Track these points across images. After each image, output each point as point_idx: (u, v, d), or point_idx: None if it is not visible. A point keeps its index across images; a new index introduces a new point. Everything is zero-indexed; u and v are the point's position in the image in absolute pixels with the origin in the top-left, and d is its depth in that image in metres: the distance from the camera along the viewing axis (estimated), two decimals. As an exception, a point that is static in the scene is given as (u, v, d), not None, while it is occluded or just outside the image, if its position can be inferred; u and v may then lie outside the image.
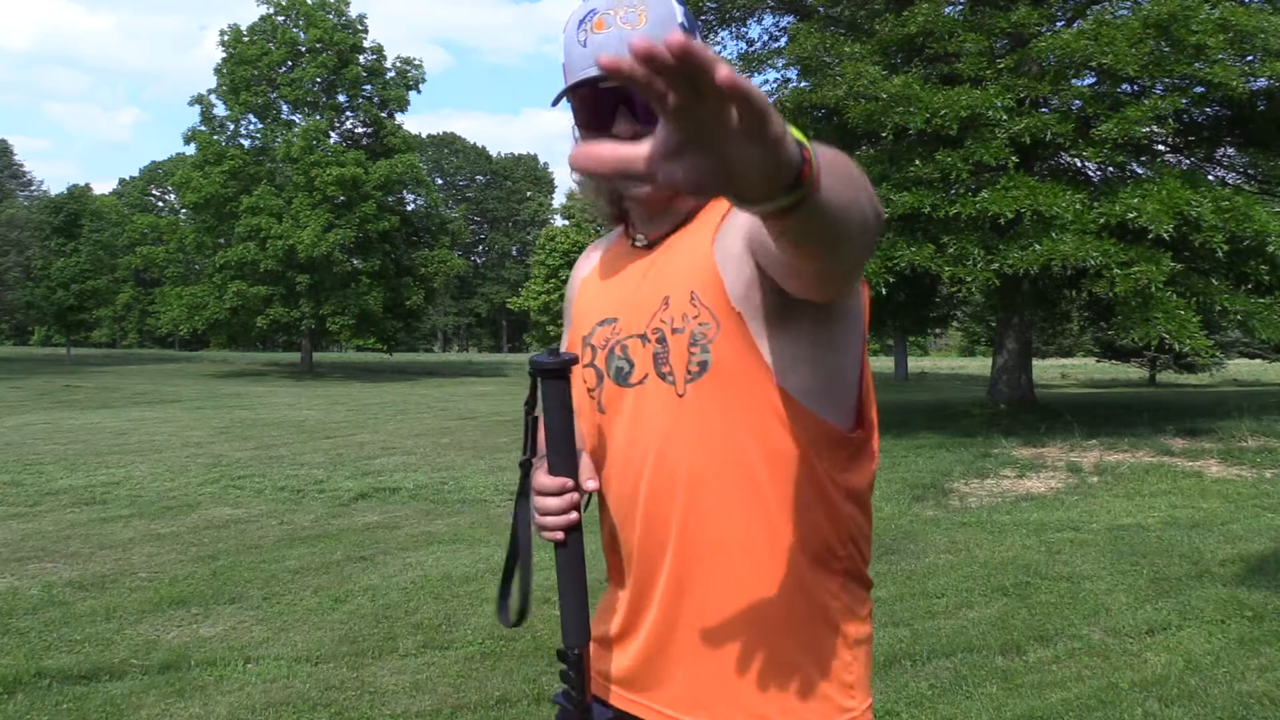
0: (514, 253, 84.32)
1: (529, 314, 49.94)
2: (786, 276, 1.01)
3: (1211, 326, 11.69)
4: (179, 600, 4.87)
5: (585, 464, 1.25)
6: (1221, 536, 6.23)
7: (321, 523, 7.00)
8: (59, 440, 12.15)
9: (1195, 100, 11.58)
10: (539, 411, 1.22)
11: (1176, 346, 10.22)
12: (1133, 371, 34.31)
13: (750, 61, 13.76)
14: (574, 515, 1.21)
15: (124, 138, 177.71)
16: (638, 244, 1.29)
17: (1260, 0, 11.65)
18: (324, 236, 31.01)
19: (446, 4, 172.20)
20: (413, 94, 36.35)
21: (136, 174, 73.94)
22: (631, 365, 1.22)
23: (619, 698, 1.28)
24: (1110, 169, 12.06)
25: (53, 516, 7.13)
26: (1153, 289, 9.77)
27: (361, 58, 35.13)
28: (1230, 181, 13.46)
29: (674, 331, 1.17)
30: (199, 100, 33.85)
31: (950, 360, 63.16)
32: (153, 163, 70.75)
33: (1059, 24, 12.62)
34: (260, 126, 34.38)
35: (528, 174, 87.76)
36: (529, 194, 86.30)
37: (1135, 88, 11.60)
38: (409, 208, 37.41)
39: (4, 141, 78.67)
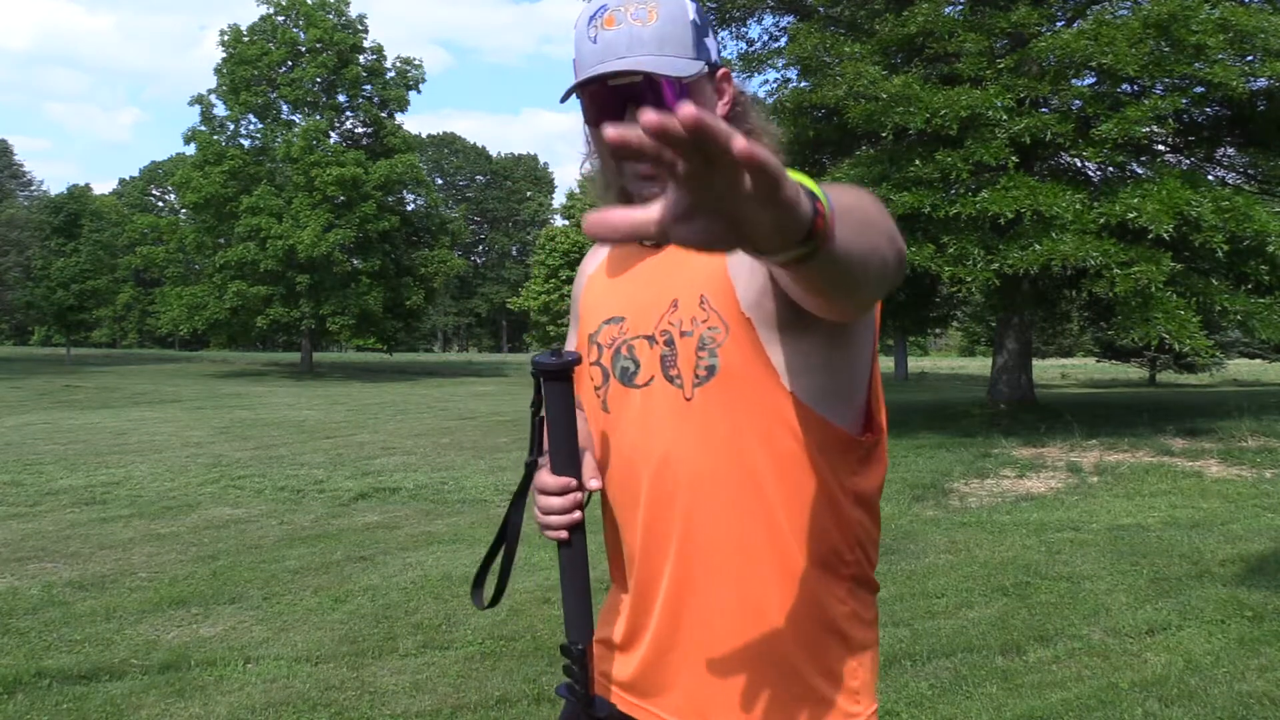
0: (514, 253, 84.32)
1: (529, 314, 49.93)
2: (803, 299, 1.00)
3: (1211, 326, 11.69)
4: (179, 600, 4.87)
5: (588, 463, 1.24)
6: (1221, 536, 6.23)
7: (321, 523, 7.00)
8: (59, 440, 12.15)
9: (1195, 100, 11.57)
10: (543, 412, 1.23)
11: (1176, 346, 10.22)
12: (1133, 371, 34.31)
13: (750, 61, 13.75)
14: (577, 514, 1.21)
15: (124, 138, 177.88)
16: (646, 243, 1.28)
17: (1260, 0, 11.65)
18: (324, 236, 31.01)
19: (446, 4, 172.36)
20: (413, 94, 36.40)
21: (136, 174, 73.99)
22: (637, 366, 1.21)
23: (621, 700, 1.27)
24: (1110, 169, 12.06)
25: (53, 516, 7.13)
26: (1153, 289, 9.77)
27: (361, 58, 35.13)
28: (1230, 181, 13.46)
29: (682, 335, 1.17)
30: (199, 100, 33.85)
31: (950, 360, 63.18)
32: (153, 163, 70.80)
33: (1059, 24, 12.61)
34: (260, 126, 34.38)
35: (528, 174, 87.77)
36: (529, 194, 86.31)
37: (1135, 88, 11.60)
38: (409, 208, 37.41)
39: (4, 141, 78.74)
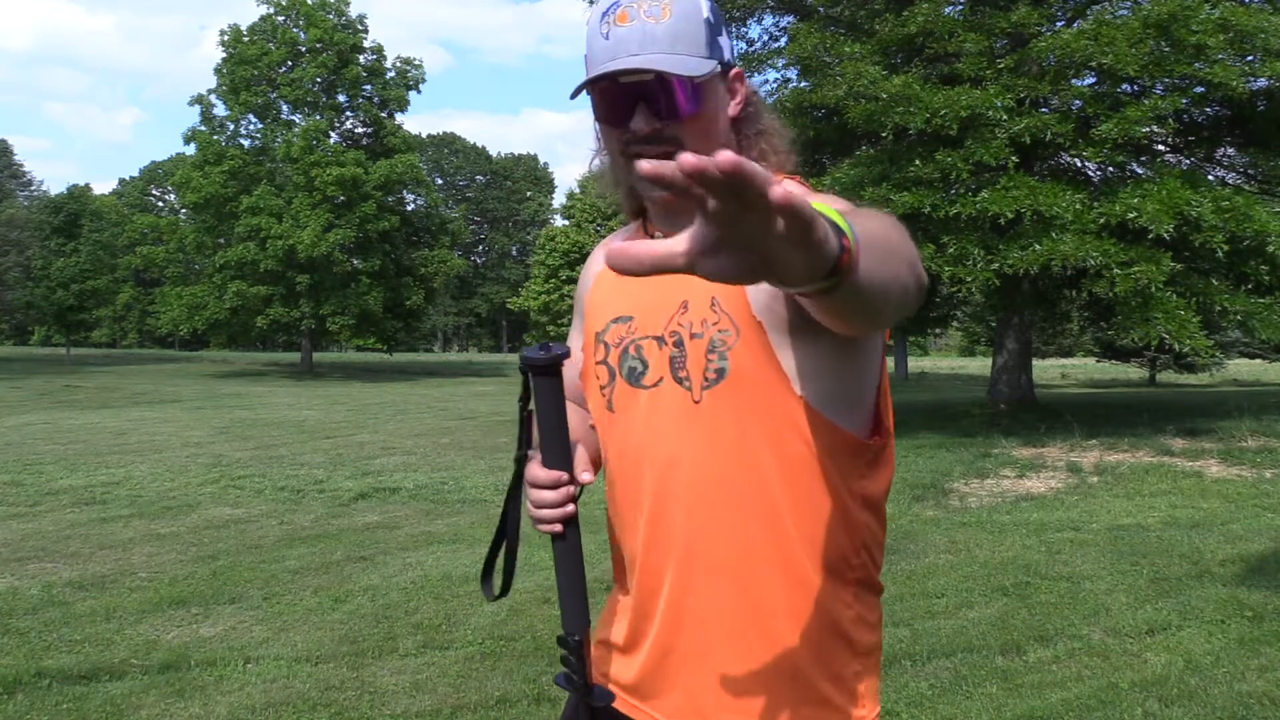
0: (514, 253, 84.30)
1: (529, 314, 49.93)
2: (820, 318, 0.97)
3: (1211, 326, 11.69)
4: (179, 600, 4.87)
5: (580, 456, 1.23)
6: (1221, 536, 6.23)
7: (321, 523, 7.00)
8: (59, 440, 12.15)
9: (1195, 100, 11.57)
10: (532, 406, 1.22)
11: (1176, 346, 10.22)
12: (1133, 371, 34.31)
13: (750, 61, 13.75)
14: (570, 508, 1.20)
15: (124, 138, 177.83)
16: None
17: (1260, 0, 11.65)
18: (324, 236, 31.01)
19: (446, 4, 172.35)
20: (413, 94, 36.40)
21: (136, 174, 73.99)
22: (645, 366, 1.20)
23: (623, 702, 1.27)
24: (1110, 169, 12.06)
25: (53, 516, 7.13)
26: (1153, 289, 9.77)
27: (361, 58, 35.13)
28: (1230, 181, 13.46)
29: (692, 336, 1.16)
30: (199, 100, 33.86)
31: (950, 360, 63.18)
32: (153, 163, 70.79)
33: (1059, 24, 12.61)
34: (260, 126, 34.39)
35: (528, 174, 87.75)
36: (529, 194, 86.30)
37: (1135, 88, 11.60)
38: (409, 208, 37.42)
39: (4, 141, 78.71)
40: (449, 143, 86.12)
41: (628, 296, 1.26)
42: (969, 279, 10.39)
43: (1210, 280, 10.87)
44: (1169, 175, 10.61)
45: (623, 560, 1.28)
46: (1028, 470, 9.04)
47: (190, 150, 34.03)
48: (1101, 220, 10.09)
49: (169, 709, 3.50)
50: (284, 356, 48.33)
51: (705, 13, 1.16)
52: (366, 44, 35.42)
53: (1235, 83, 10.18)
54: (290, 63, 34.03)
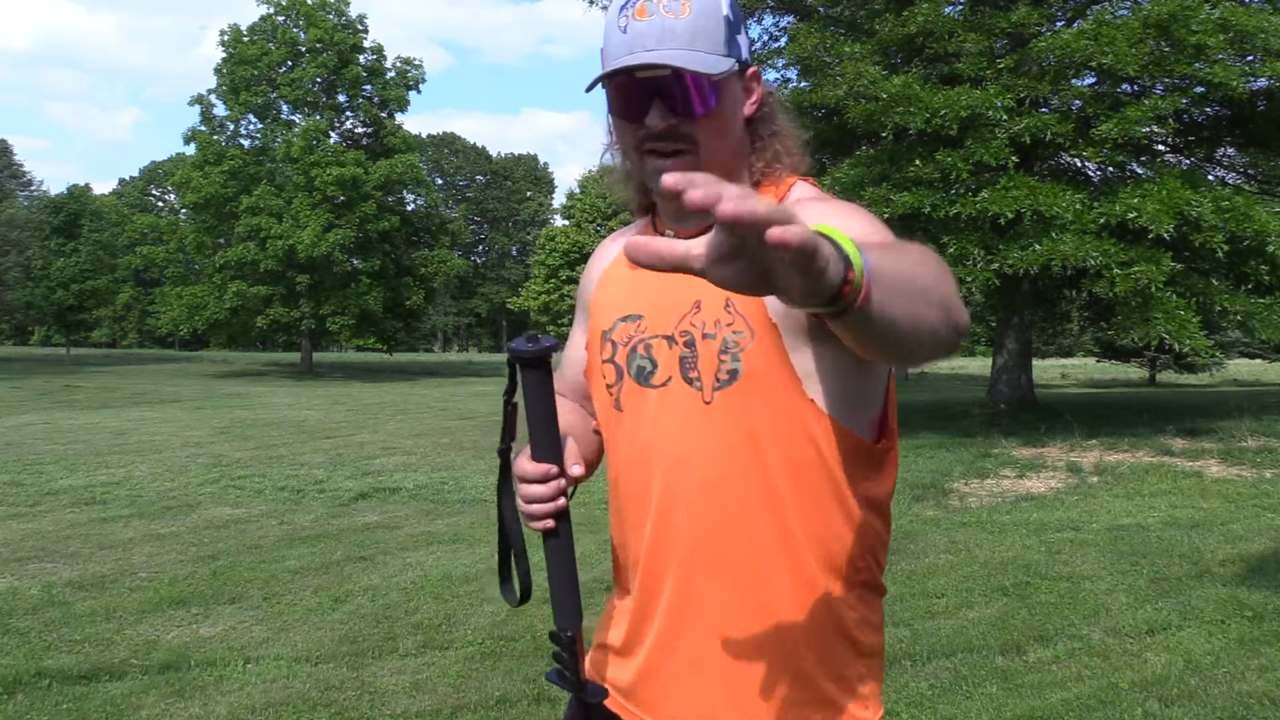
0: (514, 253, 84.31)
1: (529, 314, 49.90)
2: (842, 339, 0.95)
3: (1211, 326, 11.69)
4: (179, 600, 4.87)
5: (570, 449, 1.22)
6: (1221, 536, 6.23)
7: (321, 523, 7.00)
8: (59, 440, 12.15)
9: (1195, 100, 11.57)
10: (518, 398, 1.19)
11: (1176, 346, 10.22)
12: (1133, 371, 34.32)
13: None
14: (561, 502, 1.18)
15: (124, 138, 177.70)
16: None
17: (1260, 0, 11.65)
18: (324, 236, 31.02)
19: (446, 4, 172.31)
20: (413, 94, 36.39)
21: (136, 174, 73.98)
22: (654, 365, 1.20)
23: (618, 705, 1.26)
24: (1110, 169, 12.06)
25: (53, 516, 7.13)
26: (1153, 289, 9.77)
27: (361, 58, 35.13)
28: (1230, 181, 13.47)
29: (705, 337, 1.15)
30: (199, 100, 33.86)
31: (950, 360, 63.12)
32: (153, 163, 70.80)
33: (1059, 24, 12.61)
34: (260, 126, 34.39)
35: (528, 174, 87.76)
36: (529, 194, 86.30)
37: (1135, 88, 11.60)
38: (409, 208, 37.43)
39: (4, 141, 78.69)
40: (449, 143, 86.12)
41: (636, 295, 1.25)
42: (969, 279, 10.38)
43: (1210, 280, 10.87)
44: (1169, 175, 10.62)
45: (623, 561, 1.27)
46: (1028, 470, 9.04)
47: (190, 150, 34.05)
48: (1101, 220, 10.09)
49: (169, 709, 3.50)
50: (284, 356, 48.33)
51: (725, 10, 1.15)
52: (366, 44, 35.44)
53: (1235, 83, 10.18)
54: (290, 63, 34.04)
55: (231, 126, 34.01)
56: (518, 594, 1.28)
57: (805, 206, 1.18)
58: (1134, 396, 19.36)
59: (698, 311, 1.17)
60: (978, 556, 5.75)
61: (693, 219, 1.23)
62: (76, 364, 35.28)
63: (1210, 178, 12.59)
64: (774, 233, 0.67)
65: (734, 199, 0.67)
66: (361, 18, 35.70)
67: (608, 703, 1.27)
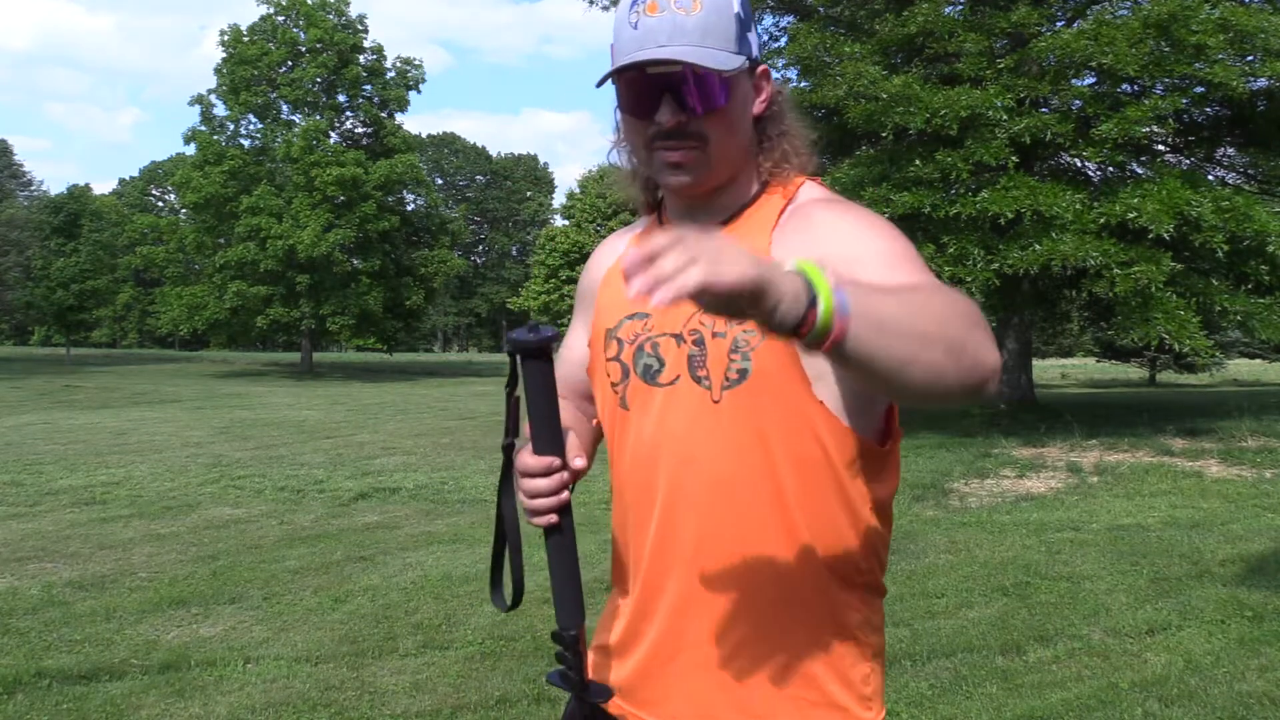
0: (514, 253, 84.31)
1: (529, 314, 49.88)
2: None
3: (1211, 326, 11.69)
4: (179, 600, 4.87)
5: (572, 442, 1.21)
6: (1221, 536, 6.23)
7: (321, 523, 7.00)
8: (59, 440, 12.15)
9: (1195, 100, 11.58)
10: (520, 391, 1.17)
11: (1176, 346, 10.23)
12: (1133, 371, 34.32)
13: (750, 61, 13.73)
14: (565, 495, 1.17)
15: (124, 138, 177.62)
16: None
17: (1260, 0, 11.65)
18: (324, 236, 31.01)
19: (446, 4, 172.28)
20: (413, 94, 36.38)
21: (136, 174, 73.97)
22: (662, 364, 1.19)
23: (619, 706, 1.25)
24: (1110, 169, 12.07)
25: (53, 516, 7.13)
26: (1153, 289, 9.78)
27: (361, 58, 35.13)
28: (1230, 181, 13.47)
29: (714, 335, 1.15)
30: (199, 100, 33.85)
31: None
32: (153, 163, 70.78)
33: (1059, 24, 12.62)
34: (260, 126, 34.39)
35: (528, 174, 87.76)
36: (529, 194, 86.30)
37: (1135, 88, 11.61)
38: (409, 208, 37.42)
39: (4, 141, 78.72)
40: (449, 143, 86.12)
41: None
42: (969, 279, 10.39)
43: (1210, 280, 10.88)
44: (1169, 175, 10.62)
45: (625, 560, 1.27)
46: (1028, 470, 9.04)
47: (190, 150, 34.04)
48: (1101, 220, 10.09)
49: (169, 709, 3.50)
50: (284, 356, 48.33)
51: (736, 8, 1.15)
52: (366, 44, 35.43)
53: (1235, 83, 10.18)
54: (290, 63, 34.03)
55: (231, 126, 34.01)
56: (507, 600, 1.27)
57: (811, 211, 1.18)
58: (1134, 396, 19.37)
59: None
60: (978, 556, 5.75)
61: (701, 217, 1.23)
62: (76, 364, 35.28)
63: (1210, 178, 12.59)
64: (704, 302, 0.78)
65: (663, 290, 0.76)
66: (361, 18, 35.71)
67: (611, 707, 1.26)
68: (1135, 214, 9.87)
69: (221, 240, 32.77)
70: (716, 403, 1.14)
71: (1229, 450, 9.68)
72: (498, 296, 77.33)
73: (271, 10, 34.25)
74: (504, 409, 1.21)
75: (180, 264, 35.09)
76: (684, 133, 1.14)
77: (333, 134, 34.73)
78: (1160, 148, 13.02)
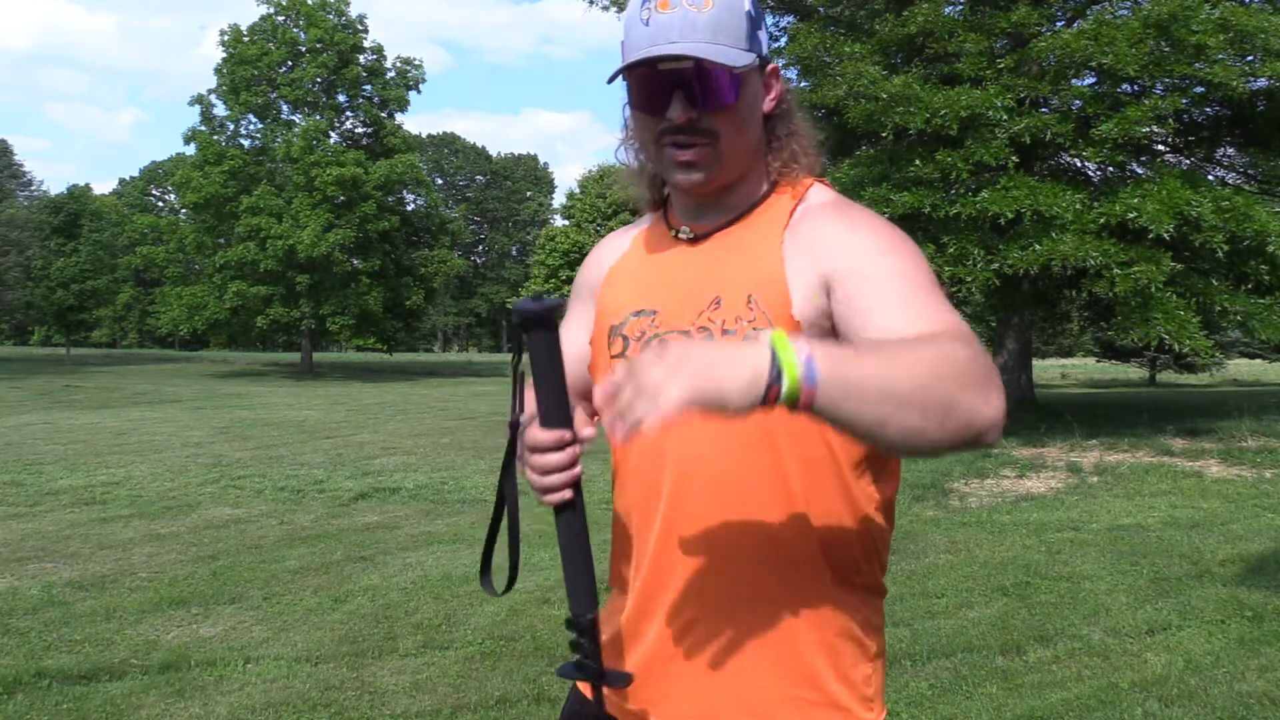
0: (514, 253, 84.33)
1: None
2: None
3: (1211, 326, 11.69)
4: (179, 600, 4.87)
5: (579, 415, 1.18)
6: (1221, 536, 6.23)
7: (321, 523, 7.00)
8: (59, 440, 12.15)
9: (1195, 100, 11.57)
10: (524, 366, 1.15)
11: (1176, 346, 10.22)
12: (1133, 371, 34.32)
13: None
14: (578, 469, 1.14)
15: (124, 138, 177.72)
16: (681, 236, 1.25)
17: (1260, 0, 11.65)
18: (324, 236, 31.01)
19: (446, 4, 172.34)
20: (413, 94, 36.39)
21: (136, 174, 74.00)
22: None
23: (618, 706, 1.24)
24: (1110, 169, 12.06)
25: (53, 516, 7.13)
26: (1153, 289, 9.77)
27: (361, 58, 35.13)
28: (1230, 181, 13.47)
29: (724, 333, 1.15)
30: (199, 100, 33.85)
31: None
32: (153, 163, 70.79)
33: (1059, 24, 12.61)
34: (260, 126, 34.39)
35: (528, 174, 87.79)
36: (529, 194, 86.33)
37: (1135, 88, 11.61)
38: (409, 208, 37.42)
39: (4, 141, 78.78)
40: (449, 143, 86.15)
41: (650, 289, 1.24)
42: (969, 279, 10.39)
43: (1210, 280, 10.87)
44: (1169, 175, 10.61)
45: (626, 558, 1.26)
46: (1028, 470, 9.04)
47: (190, 150, 34.05)
48: (1101, 220, 10.09)
49: (169, 709, 3.50)
50: (284, 356, 48.32)
51: (747, 5, 1.15)
52: (366, 44, 35.44)
53: (1235, 83, 10.17)
54: (290, 63, 34.03)
55: (231, 126, 34.02)
56: (499, 585, 1.24)
57: (824, 216, 1.18)
58: (1134, 396, 19.37)
59: (717, 307, 1.16)
60: (978, 556, 5.75)
61: (710, 215, 1.23)
62: (76, 364, 35.28)
63: (1210, 178, 12.59)
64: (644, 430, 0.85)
65: (619, 430, 0.87)
66: (361, 18, 35.72)
67: (608, 705, 1.25)
68: (1135, 214, 9.87)
69: (221, 240, 32.78)
70: None
71: (1229, 450, 9.68)
72: (498, 296, 77.37)
73: (271, 10, 34.26)
74: (508, 414, 1.19)
75: (180, 264, 35.09)
76: (694, 129, 1.14)
77: (333, 134, 34.74)
78: (1160, 148, 13.02)
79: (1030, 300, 13.88)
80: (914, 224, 10.81)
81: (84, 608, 4.72)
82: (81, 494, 8.05)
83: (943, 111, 10.40)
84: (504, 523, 1.23)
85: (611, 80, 1.16)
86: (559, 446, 1.10)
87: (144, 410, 17.51)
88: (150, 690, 3.66)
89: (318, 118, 33.80)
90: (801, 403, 0.87)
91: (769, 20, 15.34)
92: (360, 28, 35.33)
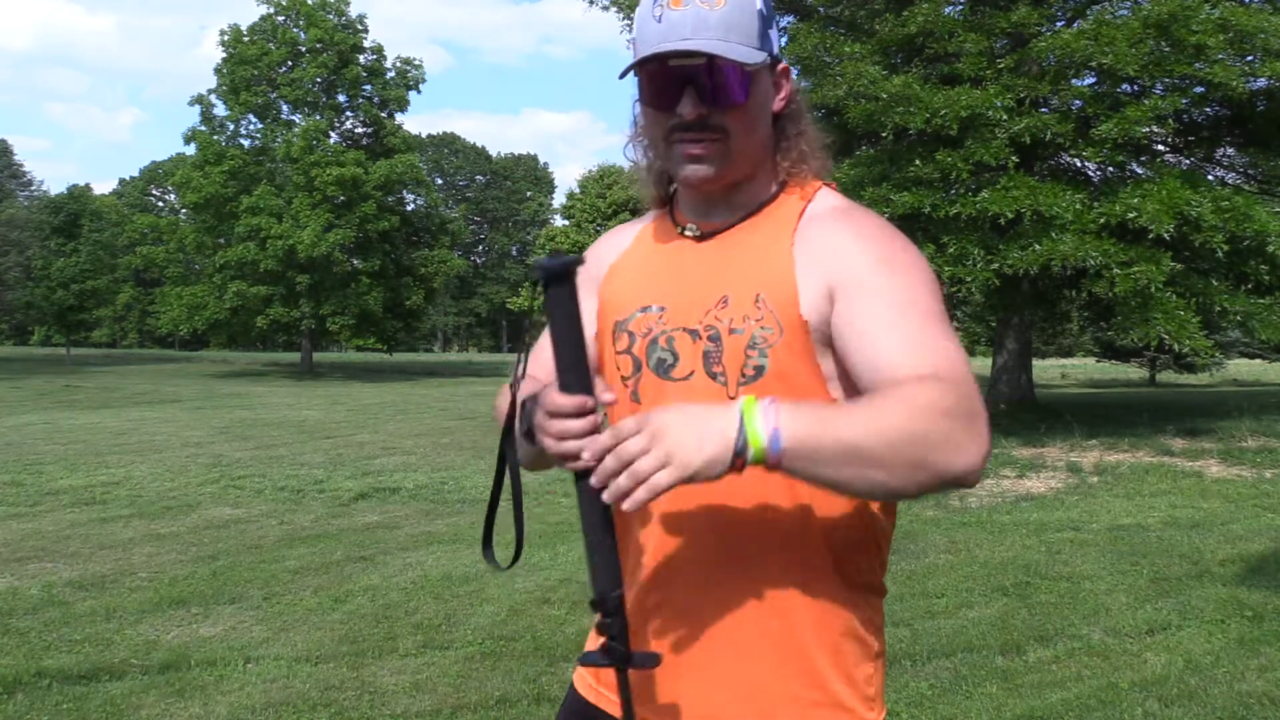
0: (514, 253, 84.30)
1: (529, 314, 49.89)
2: None
3: (1211, 326, 11.69)
4: (179, 600, 4.87)
5: (598, 380, 1.15)
6: (1221, 536, 6.23)
7: (321, 523, 7.00)
8: (59, 440, 12.15)
9: (1195, 100, 11.57)
10: (531, 351, 1.13)
11: (1176, 346, 10.22)
12: (1133, 371, 34.31)
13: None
14: (599, 436, 1.09)
15: (124, 138, 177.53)
16: (688, 233, 1.25)
17: (1260, 0, 11.65)
18: (324, 236, 30.99)
19: (446, 4, 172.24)
20: (413, 94, 36.36)
21: (136, 174, 73.95)
22: (676, 358, 1.19)
23: (611, 703, 1.23)
24: (1110, 169, 12.06)
25: (53, 516, 7.13)
26: (1153, 289, 9.77)
27: (361, 58, 35.11)
28: (1230, 181, 13.47)
29: (731, 332, 1.15)
30: (199, 100, 33.84)
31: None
32: (153, 163, 70.74)
33: (1059, 24, 12.61)
34: (260, 126, 34.37)
35: (528, 174, 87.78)
36: (529, 194, 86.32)
37: (1135, 88, 11.60)
38: (409, 208, 37.41)
39: (4, 141, 78.79)
40: (449, 143, 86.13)
41: (656, 286, 1.24)
42: (969, 279, 10.39)
43: (1210, 280, 10.87)
44: (1169, 175, 10.61)
45: (626, 557, 1.24)
46: (1028, 470, 9.04)
47: (190, 150, 34.02)
48: (1101, 220, 10.08)
49: (169, 709, 3.50)
50: (284, 356, 48.31)
51: (759, 4, 1.16)
52: (366, 44, 35.41)
53: (1235, 83, 10.17)
54: (290, 63, 34.02)
55: (231, 126, 33.99)
56: (504, 560, 1.19)
57: (833, 223, 1.18)
58: (1134, 396, 19.37)
59: (724, 306, 1.17)
60: (978, 556, 5.75)
61: (718, 213, 1.23)
62: (76, 364, 35.27)
63: (1210, 178, 12.59)
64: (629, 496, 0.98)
65: (607, 498, 1.00)
66: (361, 18, 35.70)
67: (607, 705, 1.25)
68: (1135, 214, 9.87)
69: (221, 240, 32.75)
70: (732, 398, 1.14)
71: (1229, 450, 9.68)
72: (498, 296, 77.33)
73: (271, 10, 34.24)
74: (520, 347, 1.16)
75: (180, 264, 35.07)
76: (705, 126, 1.14)
77: (333, 134, 34.71)
78: (1160, 148, 13.02)
79: (1030, 300, 13.88)
80: (914, 224, 10.81)
81: (84, 608, 4.72)
82: (81, 494, 8.05)
83: (943, 111, 10.40)
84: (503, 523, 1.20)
85: (623, 76, 1.17)
86: (579, 413, 1.05)
87: (144, 410, 17.51)
88: (150, 690, 3.67)
89: (318, 118, 33.79)
90: (769, 465, 0.96)
91: (769, 20, 15.45)
92: (360, 28, 35.32)
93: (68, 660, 3.97)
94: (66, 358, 37.84)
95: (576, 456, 1.04)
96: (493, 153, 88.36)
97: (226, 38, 33.83)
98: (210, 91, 33.88)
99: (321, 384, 28.53)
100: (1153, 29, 10.37)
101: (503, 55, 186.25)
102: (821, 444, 0.95)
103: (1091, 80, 11.68)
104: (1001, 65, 11.31)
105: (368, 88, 35.36)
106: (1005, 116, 10.59)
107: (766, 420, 0.95)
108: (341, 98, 34.93)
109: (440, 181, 79.73)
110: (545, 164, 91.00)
